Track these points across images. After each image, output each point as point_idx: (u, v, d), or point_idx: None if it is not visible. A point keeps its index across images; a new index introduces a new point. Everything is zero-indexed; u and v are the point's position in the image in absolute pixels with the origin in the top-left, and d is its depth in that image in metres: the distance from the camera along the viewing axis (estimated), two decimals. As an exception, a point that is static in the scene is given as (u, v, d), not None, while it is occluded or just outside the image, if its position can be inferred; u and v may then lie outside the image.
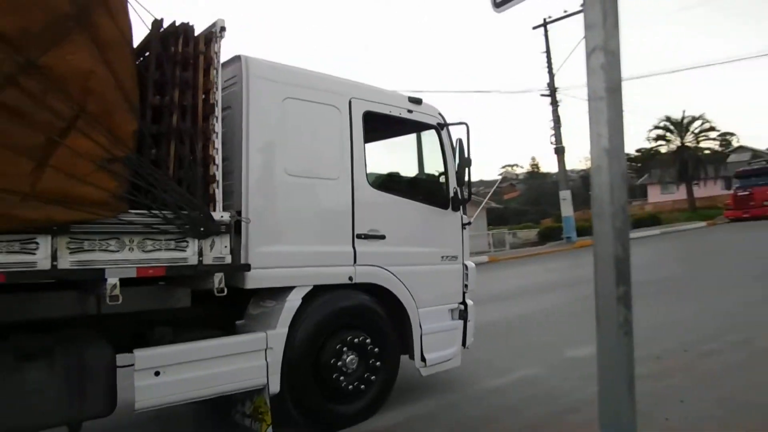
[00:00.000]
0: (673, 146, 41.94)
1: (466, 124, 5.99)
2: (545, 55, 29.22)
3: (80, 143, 3.59)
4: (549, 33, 29.50)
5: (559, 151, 28.62)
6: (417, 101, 6.02)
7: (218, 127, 4.33)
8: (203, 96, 4.30)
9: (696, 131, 41.39)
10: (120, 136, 3.78)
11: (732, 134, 46.59)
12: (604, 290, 1.97)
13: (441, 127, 6.17)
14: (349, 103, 5.39)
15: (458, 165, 6.13)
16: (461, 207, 6.26)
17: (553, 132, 28.54)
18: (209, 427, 5.59)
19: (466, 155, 6.02)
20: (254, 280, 4.68)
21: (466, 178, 6.14)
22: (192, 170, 4.20)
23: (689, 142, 41.36)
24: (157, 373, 4.09)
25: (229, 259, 4.37)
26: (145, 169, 3.92)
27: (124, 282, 3.83)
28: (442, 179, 6.27)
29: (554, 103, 28.66)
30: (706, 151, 41.99)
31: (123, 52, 3.78)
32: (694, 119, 41.37)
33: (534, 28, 29.59)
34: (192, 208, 4.13)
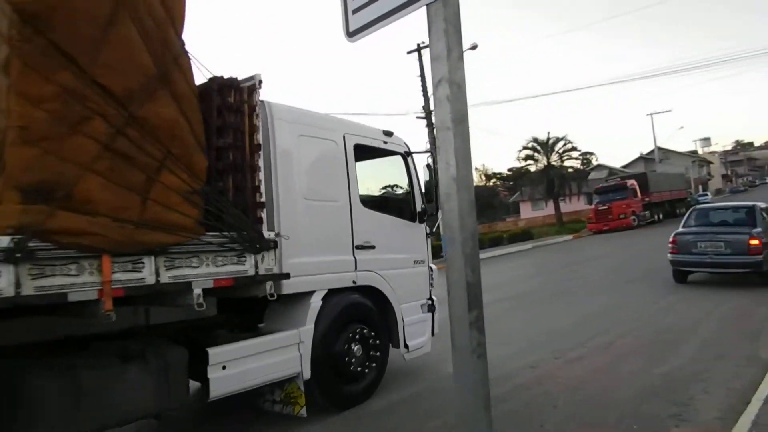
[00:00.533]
0: (540, 165, 44.66)
1: (432, 152, 7.63)
2: (420, 78, 30.25)
3: (169, 179, 4.42)
4: (423, 58, 30.55)
5: (436, 172, 29.56)
6: (389, 134, 7.22)
7: (261, 162, 5.25)
8: (249, 137, 5.22)
9: (560, 151, 44.41)
10: (196, 173, 4.64)
11: (592, 153, 50.49)
12: (458, 314, 2.01)
13: (407, 154, 7.44)
14: (344, 137, 6.47)
15: (428, 185, 7.46)
16: (425, 219, 7.48)
17: (429, 153, 29.44)
18: (238, 420, 6.10)
19: (434, 177, 7.42)
20: (289, 286, 5.56)
21: (434, 196, 7.40)
22: (246, 198, 5.15)
23: (555, 161, 44.27)
24: (224, 367, 4.92)
25: (276, 270, 5.28)
26: (215, 199, 4.79)
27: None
28: (408, 197, 7.49)
29: (429, 125, 29.68)
30: (570, 170, 45.14)
31: (193, 103, 4.65)
32: (558, 140, 44.38)
33: (408, 53, 30.60)
34: (249, 229, 5.02)
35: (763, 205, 13.77)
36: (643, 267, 16.59)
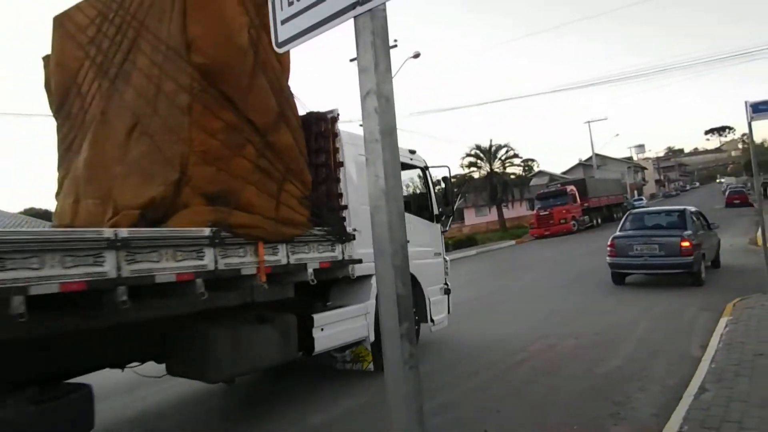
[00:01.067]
0: (483, 172, 45.41)
1: (448, 167, 9.91)
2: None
3: (290, 188, 6.06)
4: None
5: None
6: (413, 151, 9.03)
7: (341, 175, 7.09)
8: (333, 157, 7.00)
9: (503, 158, 45.33)
10: (305, 184, 6.30)
11: (533, 160, 51.85)
12: (389, 327, 2.00)
13: (426, 168, 9.35)
14: None
15: (445, 192, 9.78)
16: (441, 220, 9.51)
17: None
18: (319, 377, 7.77)
19: (450, 186, 9.97)
20: (359, 269, 7.15)
21: (450, 201, 9.70)
22: (334, 202, 6.91)
23: (497, 167, 45.12)
24: (322, 329, 6.64)
25: (354, 257, 7.00)
26: (317, 203, 6.50)
27: (271, 281, 5.82)
28: (426, 202, 9.46)
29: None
30: (512, 176, 46.10)
31: (300, 132, 6.33)
32: (500, 147, 45.28)
33: (351, 60, 30.60)
34: (338, 226, 6.81)
35: (693, 209, 14.59)
36: (584, 270, 17.10)
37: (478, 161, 45.48)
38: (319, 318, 6.70)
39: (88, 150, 6.17)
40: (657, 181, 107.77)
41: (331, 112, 7.10)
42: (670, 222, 13.90)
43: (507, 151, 45.19)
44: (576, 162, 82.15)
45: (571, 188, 39.49)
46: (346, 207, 7.09)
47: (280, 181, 5.97)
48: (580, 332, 9.23)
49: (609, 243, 13.69)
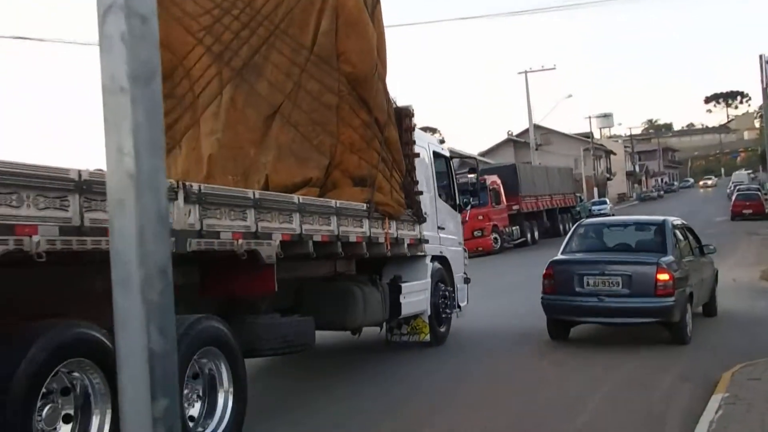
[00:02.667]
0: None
1: (476, 158, 13.30)
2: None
3: (396, 175, 7.65)
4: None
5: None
6: (442, 141, 10.98)
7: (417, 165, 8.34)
8: (412, 149, 8.17)
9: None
10: (401, 172, 7.76)
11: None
12: (133, 407, 1.18)
13: (451, 158, 10.39)
14: (428, 145, 9.32)
15: (474, 185, 11.24)
16: (462, 210, 10.42)
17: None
18: (378, 350, 8.75)
19: (477, 178, 11.61)
20: (429, 249, 8.63)
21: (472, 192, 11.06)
22: (413, 188, 8.10)
23: None
24: (404, 297, 7.95)
25: (425, 237, 8.45)
26: (407, 189, 7.85)
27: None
28: (450, 192, 10.17)
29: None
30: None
31: (396, 128, 7.78)
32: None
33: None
34: (418, 208, 8.12)
35: (677, 221, 9.77)
36: (506, 315, 11.05)
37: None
38: (405, 287, 8.02)
39: (222, 132, 7.08)
40: (629, 174, 72.87)
41: (409, 107, 8.31)
42: (642, 241, 9.28)
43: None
44: (504, 137, 56.54)
45: (492, 180, 24.85)
46: (421, 193, 8.32)
47: (391, 169, 7.54)
48: (494, 420, 5.81)
49: (546, 271, 8.67)
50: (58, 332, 3.52)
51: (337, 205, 6.39)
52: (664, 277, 7.95)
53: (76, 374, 3.66)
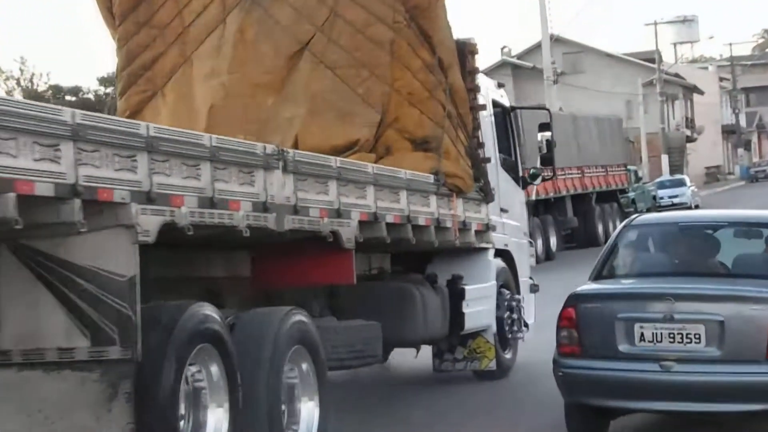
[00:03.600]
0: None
1: (548, 110, 8.95)
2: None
3: (461, 136, 6.03)
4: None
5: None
6: (501, 85, 7.77)
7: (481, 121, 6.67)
8: (475, 98, 6.52)
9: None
10: (468, 131, 6.14)
11: None
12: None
13: (512, 109, 7.80)
14: (486, 92, 6.96)
15: (549, 145, 8.20)
16: (526, 186, 8.22)
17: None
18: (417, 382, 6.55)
19: (552, 138, 8.29)
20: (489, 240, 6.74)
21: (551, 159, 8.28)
22: (480, 154, 6.43)
23: None
24: (467, 305, 6.12)
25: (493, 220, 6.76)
26: (474, 154, 6.22)
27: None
28: (511, 159, 7.64)
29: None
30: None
31: (459, 72, 6.12)
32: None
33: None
34: (486, 182, 6.42)
35: None
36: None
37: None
38: (469, 291, 6.13)
39: (227, 74, 5.78)
40: (728, 132, 45.40)
41: (471, 41, 6.54)
42: (748, 259, 5.47)
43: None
44: (498, 59, 36.19)
45: None
46: (489, 160, 6.53)
47: (456, 128, 5.99)
48: None
49: (562, 314, 4.85)
50: (193, 315, 3.33)
51: (407, 176, 5.15)
52: None
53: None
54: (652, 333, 4.61)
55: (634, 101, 32.07)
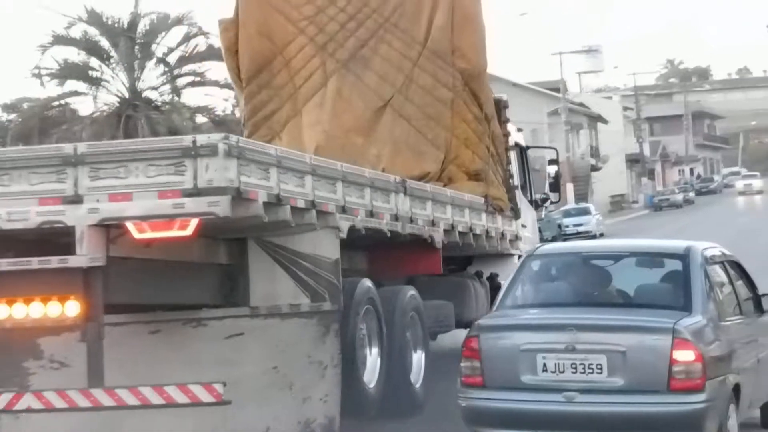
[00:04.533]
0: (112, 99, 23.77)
1: (555, 149, 11.71)
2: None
3: (499, 170, 8.14)
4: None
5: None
6: (520, 129, 10.19)
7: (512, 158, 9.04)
8: (507, 141, 8.69)
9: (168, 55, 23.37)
10: (504, 166, 8.32)
11: None
12: None
13: (527, 148, 10.28)
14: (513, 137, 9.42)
15: (556, 178, 10.83)
16: (537, 207, 10.52)
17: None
18: None
19: (559, 171, 11.12)
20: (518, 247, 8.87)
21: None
22: (511, 182, 8.65)
23: (156, 85, 24.17)
24: None
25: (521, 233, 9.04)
26: (507, 182, 8.37)
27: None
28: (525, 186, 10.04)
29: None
30: (203, 116, 25.73)
31: (497, 122, 8.21)
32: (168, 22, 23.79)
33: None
34: (515, 203, 8.60)
35: (714, 249, 5.48)
36: None
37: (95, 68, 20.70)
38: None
39: (328, 122, 7.36)
40: (632, 161, 46.43)
41: (503, 98, 8.66)
42: (648, 288, 5.31)
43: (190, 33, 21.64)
44: None
45: None
46: (518, 187, 8.82)
47: (496, 164, 8.01)
48: None
49: (465, 344, 4.75)
50: (362, 286, 5.37)
51: (468, 198, 7.23)
52: (686, 355, 4.33)
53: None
54: (555, 363, 4.51)
55: (540, 130, 32.34)
